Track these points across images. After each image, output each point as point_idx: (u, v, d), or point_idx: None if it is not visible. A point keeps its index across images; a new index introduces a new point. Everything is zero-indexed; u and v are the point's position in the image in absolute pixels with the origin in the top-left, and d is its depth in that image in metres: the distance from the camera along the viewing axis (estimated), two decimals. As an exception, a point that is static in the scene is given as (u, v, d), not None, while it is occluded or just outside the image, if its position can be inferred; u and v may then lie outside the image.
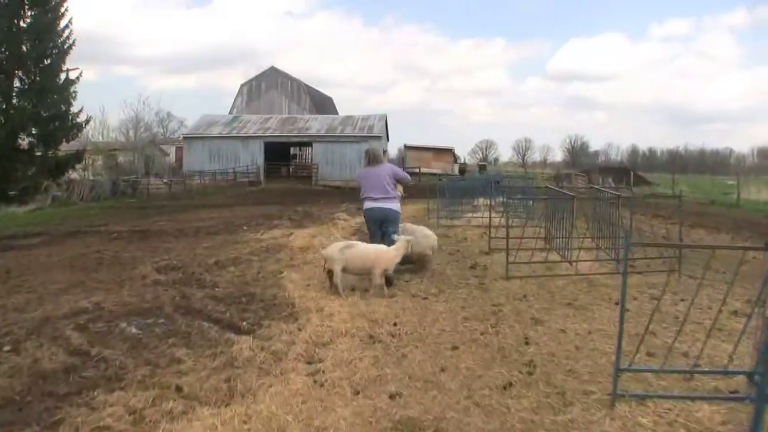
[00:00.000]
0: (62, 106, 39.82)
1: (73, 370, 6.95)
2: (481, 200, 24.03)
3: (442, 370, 6.71)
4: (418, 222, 20.53)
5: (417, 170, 73.46)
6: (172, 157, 74.24)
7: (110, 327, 8.75)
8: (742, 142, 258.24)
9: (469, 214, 21.70)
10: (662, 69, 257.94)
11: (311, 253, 14.76)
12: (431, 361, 6.98)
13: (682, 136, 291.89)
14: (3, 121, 36.29)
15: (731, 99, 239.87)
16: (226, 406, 5.89)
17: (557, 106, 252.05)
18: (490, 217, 15.67)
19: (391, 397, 5.96)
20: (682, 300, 9.74)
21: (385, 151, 67.16)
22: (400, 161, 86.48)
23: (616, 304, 9.41)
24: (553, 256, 12.61)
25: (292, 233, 18.64)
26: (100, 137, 61.78)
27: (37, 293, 11.46)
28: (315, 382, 6.39)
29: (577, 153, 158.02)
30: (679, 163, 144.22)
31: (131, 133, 65.40)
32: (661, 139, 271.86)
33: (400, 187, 11.84)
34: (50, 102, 38.72)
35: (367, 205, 11.49)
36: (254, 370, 6.82)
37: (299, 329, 8.34)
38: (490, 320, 8.62)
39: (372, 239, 11.49)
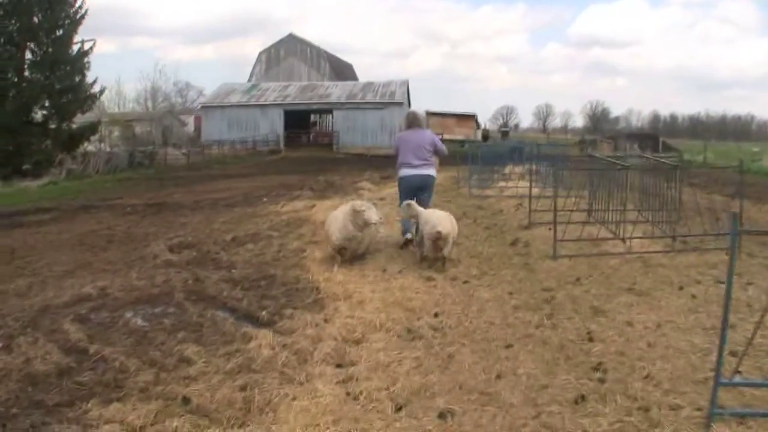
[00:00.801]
0: (76, 78, 39.16)
1: (68, 373, 6.02)
2: (509, 168, 22.85)
3: (498, 377, 5.64)
4: (448, 192, 19.57)
5: (440, 136, 72.15)
6: (191, 126, 73.18)
7: (114, 318, 7.87)
8: (763, 108, 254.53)
9: (501, 183, 20.48)
10: (683, 34, 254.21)
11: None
12: (483, 365, 5.92)
13: (703, 102, 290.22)
14: (14, 94, 35.45)
15: (753, 65, 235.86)
16: (240, 426, 4.90)
17: (578, 72, 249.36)
18: (530, 188, 14.43)
19: (441, 416, 4.91)
20: (749, 284, 8.61)
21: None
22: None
23: (681, 288, 8.39)
24: (598, 231, 11.52)
25: (314, 205, 17.75)
26: (117, 108, 60.82)
27: (40, 276, 10.77)
28: (348, 394, 5.36)
29: (598, 119, 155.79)
30: (700, 129, 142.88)
31: (148, 103, 64.56)
32: (682, 105, 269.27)
33: (436, 159, 11.29)
34: (63, 74, 38.01)
35: (405, 172, 11.03)
36: (275, 375, 5.81)
37: (326, 321, 7.34)
38: (544, 310, 7.53)
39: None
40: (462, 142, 71.91)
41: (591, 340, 6.51)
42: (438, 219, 9.60)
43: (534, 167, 21.62)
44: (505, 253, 10.78)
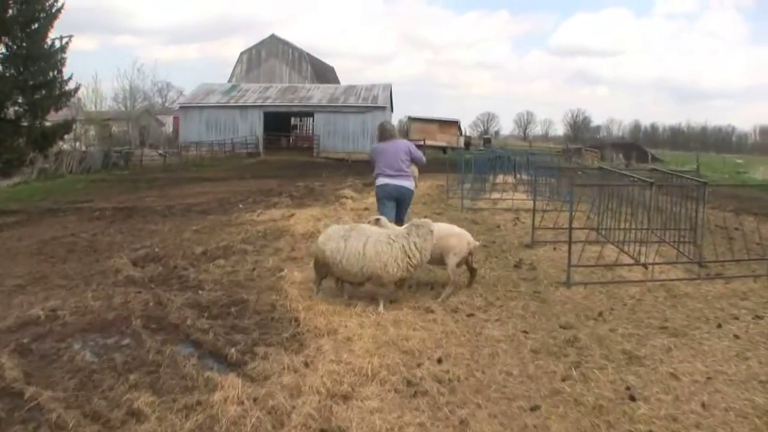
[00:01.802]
0: (50, 74, 37.71)
1: (-6, 426, 4.86)
2: (500, 178, 21.58)
3: (528, 455, 4.42)
4: (437, 204, 18.38)
5: (422, 143, 71.33)
6: (169, 127, 71.76)
7: (59, 350, 6.74)
8: (743, 120, 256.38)
9: (495, 195, 19.13)
10: (666, 45, 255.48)
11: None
12: (506, 437, 4.71)
13: (683, 113, 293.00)
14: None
15: (734, 76, 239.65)
16: None
17: (559, 81, 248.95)
18: (534, 202, 12.94)
19: None
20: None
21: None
22: (404, 133, 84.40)
23: (719, 326, 7.27)
24: (617, 256, 10.37)
25: (293, 214, 16.52)
26: (94, 107, 59.34)
27: (-12, 292, 9.58)
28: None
29: (579, 127, 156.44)
30: (681, 139, 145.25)
31: (126, 102, 63.04)
32: (663, 115, 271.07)
33: (414, 168, 10.93)
34: (37, 69, 36.52)
35: (381, 181, 10.56)
36: (243, 444, 4.57)
37: (306, 364, 6.10)
38: (568, 355, 6.29)
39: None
40: (444, 149, 71.15)
41: (632, 398, 5.30)
42: (461, 231, 8.94)
43: (526, 178, 20.57)
44: (510, 278, 9.52)
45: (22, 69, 35.72)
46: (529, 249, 11.47)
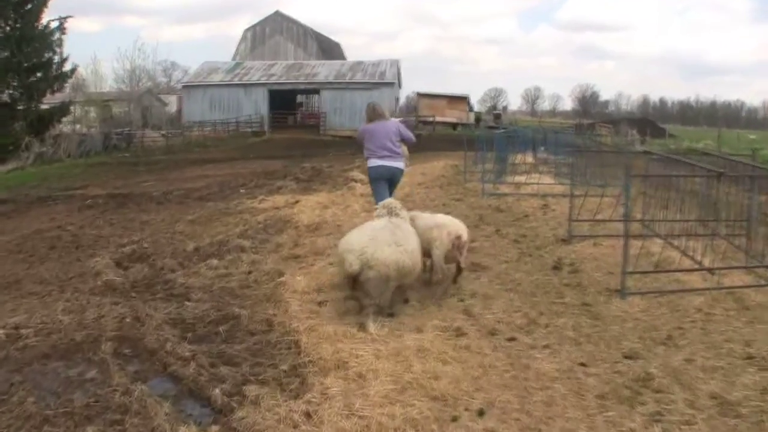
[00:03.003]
0: (45, 55, 36.56)
1: None
2: (519, 157, 19.91)
3: None
4: (453, 187, 16.96)
5: (431, 119, 70.03)
6: (173, 107, 70.28)
7: (12, 386, 5.60)
8: (753, 95, 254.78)
9: (517, 178, 17.22)
10: (675, 20, 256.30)
11: (322, 235, 11.23)
12: None
13: (692, 87, 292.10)
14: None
15: (743, 52, 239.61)
16: None
17: (567, 55, 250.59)
18: (572, 191, 11.22)
19: None
20: None
21: (397, 99, 63.70)
22: (412, 109, 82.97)
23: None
24: (655, 247, 9.02)
25: (297, 201, 15.18)
26: (94, 88, 57.79)
27: (-51, 300, 8.42)
28: None
29: (588, 102, 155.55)
30: (690, 114, 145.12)
31: (126, 82, 61.54)
32: (671, 89, 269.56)
33: (404, 148, 10.81)
34: (31, 51, 35.37)
35: (374, 162, 10.47)
36: None
37: (308, 415, 4.77)
38: (645, 402, 4.86)
39: (379, 201, 9.45)
40: (454, 125, 69.76)
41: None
42: (451, 221, 7.97)
43: (543, 157, 19.14)
44: (551, 285, 8.04)
45: (15, 51, 34.67)
46: (567, 245, 10.01)
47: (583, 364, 5.59)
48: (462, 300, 7.38)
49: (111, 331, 6.79)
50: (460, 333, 6.30)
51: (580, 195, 11.00)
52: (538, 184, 15.46)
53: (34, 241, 12.64)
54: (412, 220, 7.87)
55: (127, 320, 7.11)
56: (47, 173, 29.65)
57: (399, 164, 10.51)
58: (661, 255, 8.83)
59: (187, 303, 7.71)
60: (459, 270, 7.88)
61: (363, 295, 6.71)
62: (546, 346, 6.01)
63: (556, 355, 5.80)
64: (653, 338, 6.21)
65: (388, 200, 8.13)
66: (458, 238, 7.58)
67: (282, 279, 8.45)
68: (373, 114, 10.79)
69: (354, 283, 6.70)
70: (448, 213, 11.31)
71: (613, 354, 5.85)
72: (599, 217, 11.09)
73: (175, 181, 23.02)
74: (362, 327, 6.49)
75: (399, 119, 11.50)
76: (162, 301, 7.90)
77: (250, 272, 8.94)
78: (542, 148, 22.01)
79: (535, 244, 10.25)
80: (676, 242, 9.14)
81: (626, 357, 5.75)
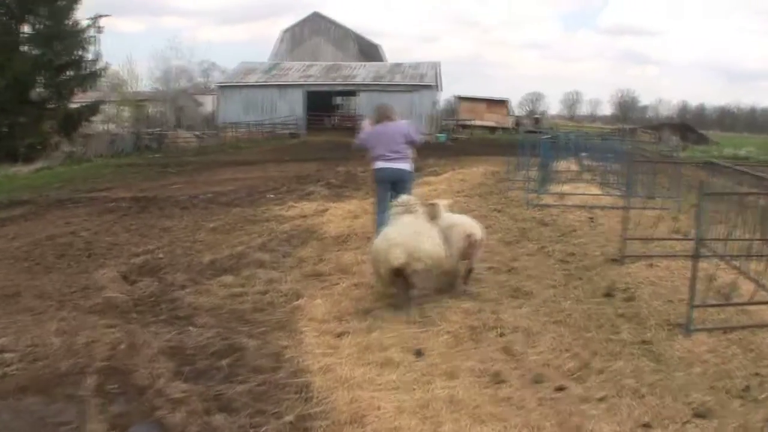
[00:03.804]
0: (76, 53, 36.06)
1: None
2: (562, 164, 18.75)
3: None
4: (493, 197, 15.95)
5: (470, 123, 69.27)
6: (208, 107, 69.80)
7: None
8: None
9: (562, 187, 15.97)
10: (716, 24, 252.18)
11: (350, 249, 10.35)
12: None
13: (732, 93, 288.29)
14: (8, 70, 32.26)
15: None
16: None
17: (607, 60, 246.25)
18: (626, 206, 9.91)
19: None
20: None
21: (436, 102, 62.70)
22: (451, 113, 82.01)
23: None
24: (718, 270, 7.99)
25: (326, 209, 14.36)
26: (129, 88, 57.56)
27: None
28: None
29: (627, 107, 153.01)
30: (729, 120, 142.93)
31: (160, 82, 61.27)
32: (710, 95, 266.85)
33: (412, 151, 10.73)
34: (62, 48, 34.91)
35: (379, 164, 10.37)
36: None
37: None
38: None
39: (380, 205, 10.19)
40: (493, 129, 68.82)
41: None
42: (468, 222, 8.14)
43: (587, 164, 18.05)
44: (605, 316, 6.95)
45: (46, 49, 34.25)
46: (618, 264, 8.93)
47: (647, 425, 4.57)
48: (502, 335, 6.33)
49: (101, 360, 6.00)
50: (499, 380, 5.29)
51: (635, 207, 10.02)
52: (584, 194, 14.30)
53: (44, 247, 11.89)
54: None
55: (122, 347, 6.32)
56: (74, 173, 29.02)
57: (405, 166, 10.35)
58: (726, 280, 7.79)
59: (190, 328, 6.85)
60: (469, 270, 7.89)
61: (404, 287, 7.10)
62: (602, 399, 4.97)
63: (614, 411, 4.77)
64: (727, 389, 5.15)
65: (406, 197, 8.26)
66: (470, 236, 7.56)
67: (300, 302, 7.54)
68: (381, 115, 10.78)
69: (394, 277, 6.94)
70: (488, 226, 10.48)
71: (681, 410, 4.81)
72: (653, 233, 10.05)
73: (203, 185, 22.21)
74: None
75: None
76: (164, 324, 7.05)
77: (265, 292, 8.04)
78: (583, 154, 20.88)
79: (583, 264, 9.16)
80: (740, 264, 8.08)
81: (697, 415, 4.71)
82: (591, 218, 12.28)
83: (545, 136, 18.09)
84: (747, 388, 5.16)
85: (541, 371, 5.50)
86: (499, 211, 13.44)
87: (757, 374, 5.45)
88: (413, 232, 7.05)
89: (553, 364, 5.65)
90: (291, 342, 6.29)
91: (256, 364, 5.81)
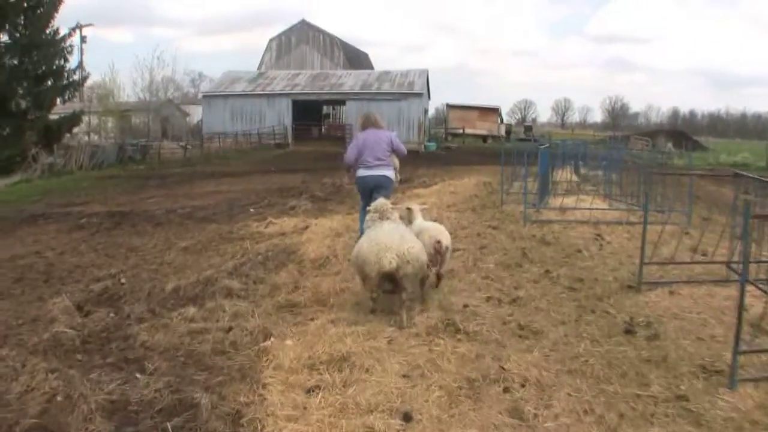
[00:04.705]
0: (56, 63, 35.17)
1: None
2: (558, 175, 17.48)
3: None
4: (487, 211, 14.86)
5: (461, 131, 68.47)
6: (196, 117, 68.69)
7: None
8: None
9: (561, 199, 14.25)
10: (705, 31, 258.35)
11: (329, 275, 9.35)
12: None
13: (722, 99, 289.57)
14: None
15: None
16: None
17: (597, 67, 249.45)
18: (646, 221, 8.12)
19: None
20: None
21: (426, 110, 61.81)
22: (441, 121, 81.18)
23: None
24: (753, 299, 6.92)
25: (307, 226, 13.40)
26: (113, 98, 56.36)
27: None
28: None
29: (617, 114, 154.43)
30: (720, 126, 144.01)
31: (144, 92, 60.11)
32: (701, 101, 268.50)
33: (395, 160, 10.81)
34: (40, 58, 33.99)
35: (360, 173, 10.51)
36: None
37: None
38: None
39: (362, 213, 10.10)
40: (484, 137, 68.02)
41: None
42: (437, 228, 8.23)
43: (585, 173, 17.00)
44: (627, 360, 5.76)
45: (25, 58, 33.39)
46: (635, 293, 7.77)
47: None
48: (508, 390, 5.13)
49: (32, 417, 5.02)
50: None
51: (635, 222, 9.01)
52: (590, 209, 13.02)
53: (3, 269, 11.07)
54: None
55: (58, 399, 5.30)
56: (52, 186, 28.12)
57: (386, 172, 10.39)
58: (758, 309, 6.74)
59: (138, 376, 5.80)
60: (438, 278, 7.96)
61: (389, 291, 7.26)
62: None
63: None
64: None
65: (379, 202, 8.22)
66: (438, 243, 7.65)
67: (267, 343, 6.45)
68: (367, 122, 10.79)
69: (382, 281, 7.02)
70: (484, 246, 9.66)
71: None
72: (673, 254, 8.97)
73: (183, 198, 21.41)
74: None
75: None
76: (110, 369, 6.03)
77: (229, 329, 6.91)
78: (580, 163, 19.81)
79: (595, 292, 7.90)
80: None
81: None
82: (597, 235, 11.16)
83: (543, 146, 16.83)
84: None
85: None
86: (495, 228, 12.19)
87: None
88: (400, 237, 7.08)
89: (572, 429, 4.57)
90: (252, 398, 5.21)
91: (208, 427, 4.76)
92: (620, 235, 11.01)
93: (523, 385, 5.18)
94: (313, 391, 5.20)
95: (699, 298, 7.19)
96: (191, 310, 7.70)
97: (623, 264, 9.05)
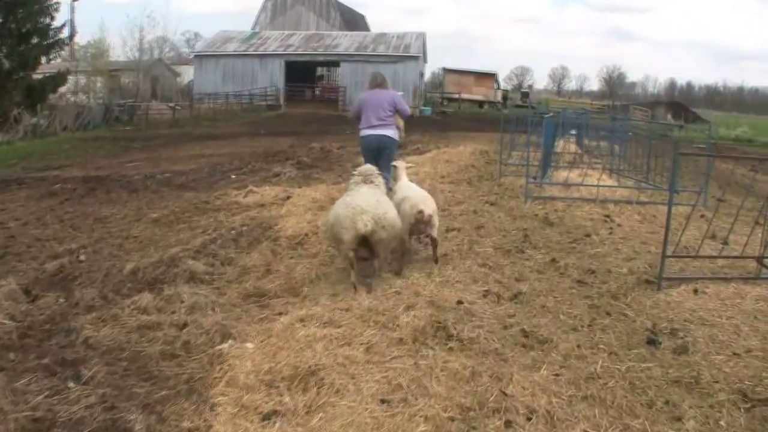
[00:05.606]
0: (41, 21, 34.01)
1: None
2: (560, 146, 16.37)
3: None
4: (484, 183, 13.86)
5: (457, 96, 67.45)
6: (187, 78, 67.43)
7: None
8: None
9: (565, 173, 13.14)
10: (704, 2, 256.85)
11: (305, 257, 8.51)
12: None
13: (720, 72, 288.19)
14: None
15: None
16: None
17: (595, 36, 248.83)
18: (670, 209, 7.02)
19: None
20: None
21: (422, 73, 60.81)
22: (437, 85, 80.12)
23: None
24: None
25: (289, 197, 12.42)
26: (102, 57, 55.12)
27: None
28: None
29: (614, 83, 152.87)
30: (717, 99, 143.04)
31: (134, 52, 58.85)
32: (698, 73, 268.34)
33: (399, 120, 10.87)
34: (25, 15, 32.82)
35: (363, 132, 10.67)
36: None
37: None
38: None
39: None
40: (481, 103, 66.99)
41: None
42: (421, 195, 8.02)
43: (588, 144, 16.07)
44: (653, 383, 4.70)
45: (10, 16, 32.24)
46: (654, 290, 6.66)
47: None
48: (510, 424, 4.08)
49: None
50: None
51: (654, 203, 8.03)
52: (597, 186, 11.83)
53: None
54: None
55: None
56: (34, 149, 27.21)
57: (388, 132, 10.46)
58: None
59: (71, 385, 4.87)
60: (433, 243, 7.76)
61: (361, 257, 7.30)
62: None
63: None
64: None
65: (366, 167, 8.15)
66: (420, 212, 7.40)
67: (224, 346, 5.49)
68: (373, 82, 10.84)
69: (356, 245, 6.88)
70: (481, 225, 9.51)
71: None
72: (696, 247, 7.96)
73: (165, 162, 20.64)
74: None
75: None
76: (43, 373, 5.09)
77: (184, 325, 5.95)
78: (572, 132, 18.46)
79: (609, 288, 6.81)
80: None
81: None
82: (606, 216, 10.11)
83: (547, 115, 15.69)
84: None
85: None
86: (493, 204, 11.08)
87: None
88: (376, 201, 7.05)
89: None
90: (197, 422, 4.28)
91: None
92: (630, 216, 9.99)
93: (529, 418, 4.13)
94: (269, 418, 4.23)
95: (727, 299, 6.22)
96: (146, 298, 6.74)
97: (638, 253, 7.95)
